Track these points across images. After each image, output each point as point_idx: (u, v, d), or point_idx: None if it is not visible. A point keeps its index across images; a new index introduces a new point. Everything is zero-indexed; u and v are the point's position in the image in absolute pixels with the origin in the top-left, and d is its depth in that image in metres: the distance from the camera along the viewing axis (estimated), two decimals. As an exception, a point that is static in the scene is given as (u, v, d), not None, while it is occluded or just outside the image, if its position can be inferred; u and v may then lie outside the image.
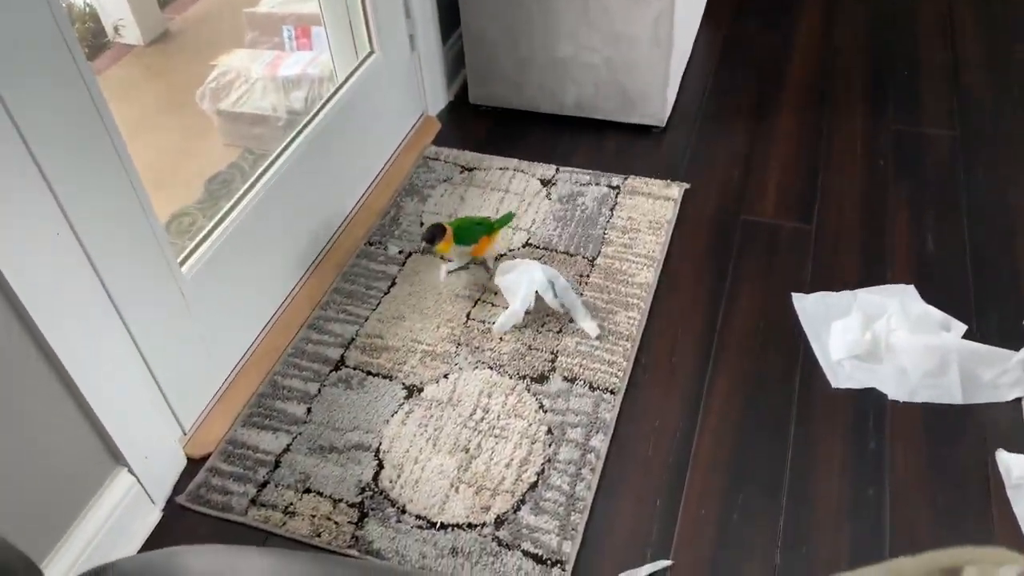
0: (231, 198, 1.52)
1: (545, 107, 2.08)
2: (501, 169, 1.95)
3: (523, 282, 1.56)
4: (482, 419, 1.43)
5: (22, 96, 0.99)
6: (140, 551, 1.29)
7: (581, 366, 1.50)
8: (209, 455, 1.40)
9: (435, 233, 1.59)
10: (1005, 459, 1.33)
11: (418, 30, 1.97)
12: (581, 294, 1.63)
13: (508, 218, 1.72)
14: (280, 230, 1.61)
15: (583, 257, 1.71)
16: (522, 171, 1.94)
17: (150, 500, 1.31)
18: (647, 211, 1.81)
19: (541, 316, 1.59)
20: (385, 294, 1.66)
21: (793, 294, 1.62)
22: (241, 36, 2.48)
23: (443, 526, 1.28)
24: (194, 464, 1.39)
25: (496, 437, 1.40)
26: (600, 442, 1.38)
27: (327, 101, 1.75)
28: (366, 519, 1.30)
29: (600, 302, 1.61)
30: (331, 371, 1.52)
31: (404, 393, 1.48)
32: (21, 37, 0.99)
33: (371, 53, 1.87)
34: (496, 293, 1.64)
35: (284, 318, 1.62)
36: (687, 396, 1.47)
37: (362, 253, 1.76)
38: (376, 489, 1.34)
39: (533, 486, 1.33)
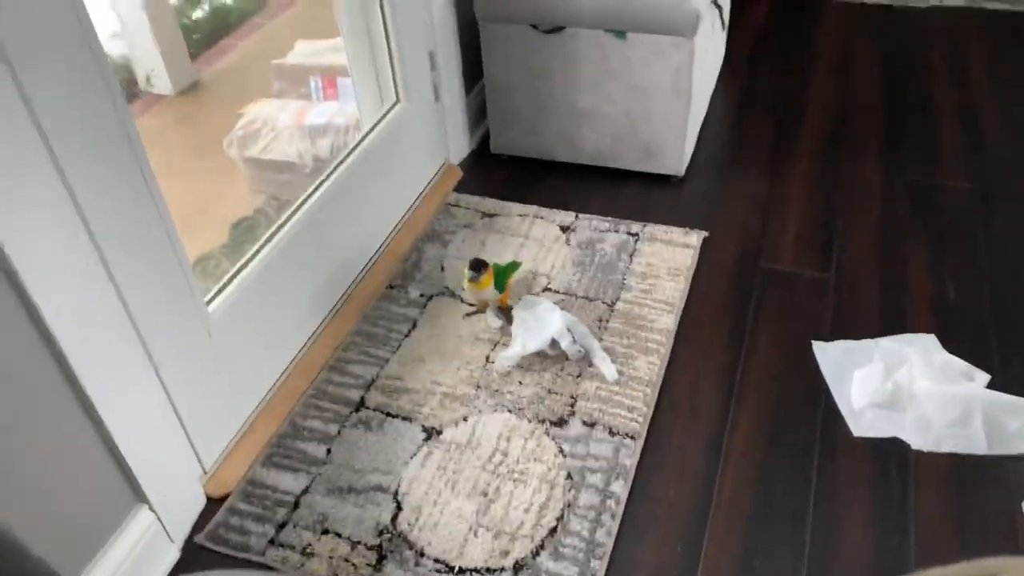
0: (256, 242, 1.55)
1: (564, 156, 2.12)
2: (521, 216, 1.98)
3: (541, 325, 1.57)
4: (501, 463, 1.43)
5: (65, 134, 1.03)
6: (158, 590, 1.29)
7: (601, 411, 1.50)
8: (229, 495, 1.40)
9: (481, 265, 1.62)
10: (1032, 511, 1.31)
11: (442, 80, 2.02)
12: (600, 339, 1.63)
13: (515, 267, 1.75)
14: (304, 273, 1.64)
15: (603, 302, 1.72)
16: (541, 218, 1.97)
17: (169, 539, 1.31)
18: (666, 258, 1.82)
19: (560, 360, 1.59)
20: (406, 336, 1.68)
21: (814, 342, 1.62)
22: (268, 87, 2.55)
23: (461, 571, 1.27)
24: (213, 503, 1.39)
25: (515, 481, 1.39)
26: (620, 488, 1.38)
27: (353, 148, 1.80)
28: (384, 561, 1.29)
29: (620, 347, 1.62)
30: (351, 412, 1.53)
31: (423, 435, 1.48)
32: (69, 84, 1.03)
33: (396, 102, 1.92)
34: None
35: (306, 360, 1.63)
36: (708, 442, 1.46)
37: (384, 296, 1.78)
38: (394, 531, 1.33)
39: (552, 531, 1.32)
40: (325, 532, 1.34)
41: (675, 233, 1.89)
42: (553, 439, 1.46)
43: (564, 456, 1.43)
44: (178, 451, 1.34)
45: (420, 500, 1.37)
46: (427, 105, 2.02)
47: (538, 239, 1.90)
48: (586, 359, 1.59)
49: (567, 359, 1.59)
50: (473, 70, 2.14)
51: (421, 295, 1.78)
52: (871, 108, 2.31)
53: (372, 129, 1.85)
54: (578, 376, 1.57)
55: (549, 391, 1.54)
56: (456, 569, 1.28)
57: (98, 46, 1.07)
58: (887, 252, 1.83)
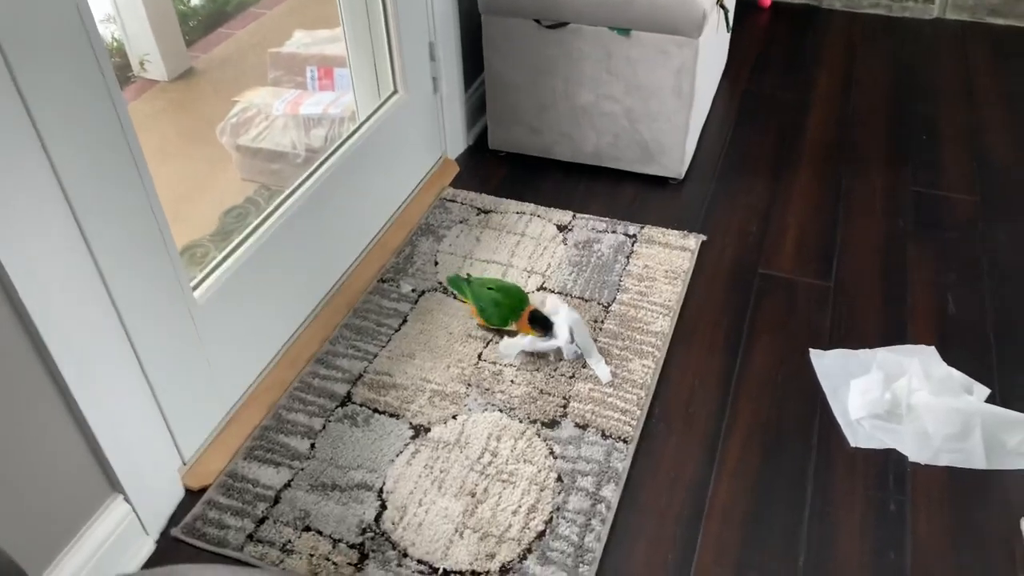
0: (246, 229, 1.51)
1: (563, 155, 2.09)
2: (518, 213, 1.94)
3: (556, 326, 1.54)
4: (490, 463, 1.39)
5: (53, 115, 0.99)
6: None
7: (594, 413, 1.47)
8: (208, 487, 1.36)
9: (548, 324, 1.55)
10: (1031, 528, 1.28)
11: (442, 73, 1.99)
12: (596, 339, 1.60)
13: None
14: (293, 262, 1.60)
15: (598, 303, 1.69)
16: (538, 216, 1.93)
17: (144, 531, 1.27)
18: (664, 260, 1.79)
19: (554, 360, 1.56)
20: (396, 331, 1.64)
21: (811, 350, 1.59)
22: (264, 76, 2.51)
23: (446, 572, 1.23)
24: (192, 496, 1.35)
25: (504, 482, 1.36)
26: (611, 492, 1.34)
27: (348, 137, 1.76)
28: (366, 561, 1.25)
29: (615, 349, 1.58)
30: (337, 407, 1.49)
31: (411, 433, 1.44)
32: (60, 65, 0.99)
33: (394, 92, 1.89)
34: (505, 334, 1.61)
35: (292, 351, 1.59)
36: (702, 448, 1.43)
37: (375, 290, 1.74)
38: (378, 530, 1.29)
39: (540, 535, 1.28)
40: (306, 529, 1.30)
41: (673, 236, 1.86)
42: (544, 440, 1.42)
43: (555, 458, 1.39)
44: (157, 440, 1.29)
45: (405, 499, 1.34)
46: (425, 97, 1.98)
47: (534, 237, 1.87)
48: (580, 359, 1.55)
49: (562, 358, 1.55)
50: (474, 63, 2.10)
51: (413, 290, 1.74)
52: (874, 118, 2.29)
53: (368, 118, 1.81)
54: (571, 377, 1.53)
55: (541, 391, 1.51)
56: (440, 571, 1.24)
57: (92, 26, 1.03)
58: (888, 262, 1.81)
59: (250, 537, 1.28)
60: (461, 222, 1.92)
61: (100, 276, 1.11)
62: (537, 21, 1.90)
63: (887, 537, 1.29)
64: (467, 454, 1.40)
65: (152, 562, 1.26)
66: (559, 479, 1.36)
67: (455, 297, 1.69)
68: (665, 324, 1.64)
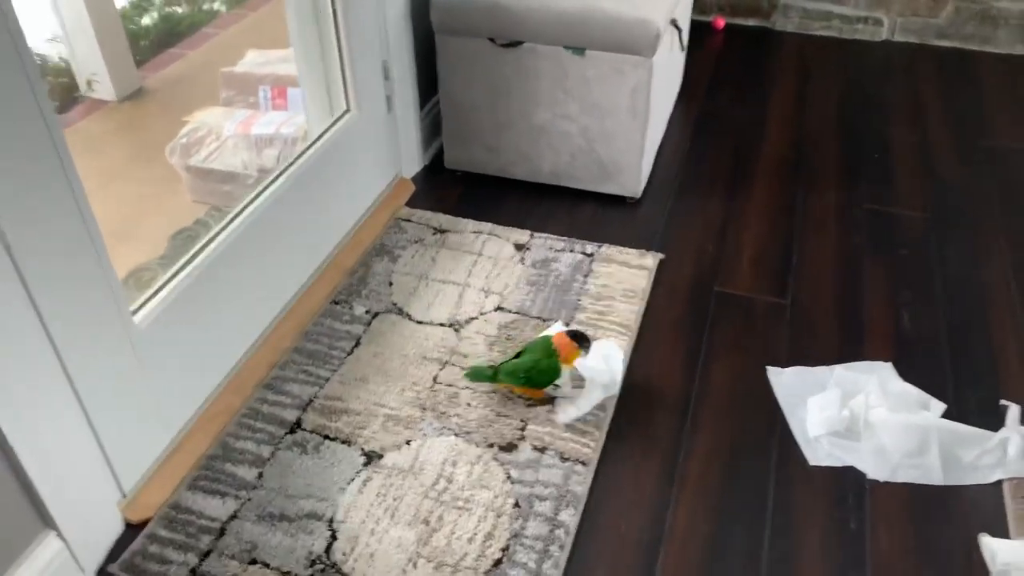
0: (190, 252, 1.46)
1: (520, 174, 2.07)
2: (475, 233, 1.91)
3: (608, 366, 1.50)
4: (445, 489, 1.35)
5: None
6: (63, 626, 1.17)
7: (552, 435, 1.43)
8: (149, 520, 1.30)
9: (584, 339, 1.49)
10: (989, 544, 1.28)
11: (396, 92, 1.96)
12: (553, 361, 1.57)
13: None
14: (241, 285, 1.55)
15: (556, 323, 1.66)
16: (496, 235, 1.91)
17: (80, 568, 1.20)
18: (622, 279, 1.78)
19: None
20: (348, 355, 1.59)
21: (768, 368, 1.58)
22: (216, 96, 2.46)
23: (399, 604, 1.19)
24: (132, 529, 1.29)
25: (459, 509, 1.32)
26: (570, 516, 1.31)
27: (299, 156, 1.72)
28: (315, 595, 1.20)
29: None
30: (286, 434, 1.44)
31: (363, 459, 1.39)
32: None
33: (347, 111, 1.85)
34: (466, 356, 1.58)
35: (240, 376, 1.53)
36: (661, 470, 1.40)
37: (327, 312, 1.69)
38: (328, 562, 1.24)
39: (497, 563, 1.24)
40: (252, 562, 1.24)
41: (631, 255, 1.85)
42: (501, 464, 1.39)
43: (512, 483, 1.36)
44: (93, 472, 1.23)
45: (357, 529, 1.29)
46: (379, 116, 1.95)
47: (492, 257, 1.84)
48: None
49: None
50: (429, 82, 2.08)
51: (367, 311, 1.70)
52: (827, 137, 2.32)
53: (319, 137, 1.78)
54: (529, 399, 1.50)
55: (499, 414, 1.47)
56: (393, 603, 1.19)
57: (24, 46, 0.99)
58: (843, 279, 1.81)
59: (193, 572, 1.23)
60: (417, 242, 1.89)
61: (30, 300, 1.05)
62: (492, 40, 1.89)
63: (848, 555, 1.27)
64: (421, 480, 1.36)
65: (87, 602, 1.20)
66: (516, 504, 1.32)
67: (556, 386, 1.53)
68: (623, 343, 1.62)
